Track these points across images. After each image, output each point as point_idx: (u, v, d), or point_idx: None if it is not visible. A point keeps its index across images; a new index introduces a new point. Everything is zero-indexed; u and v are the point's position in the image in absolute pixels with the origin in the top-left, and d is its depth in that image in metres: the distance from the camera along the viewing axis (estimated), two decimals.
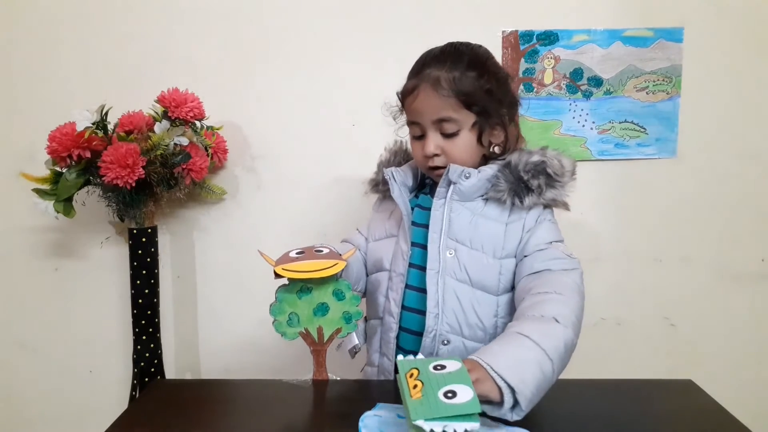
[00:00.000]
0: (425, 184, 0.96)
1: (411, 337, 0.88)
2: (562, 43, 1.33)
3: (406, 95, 0.87)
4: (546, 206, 0.86)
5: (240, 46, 1.35)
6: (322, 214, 1.38)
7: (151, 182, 1.20)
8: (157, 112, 1.25)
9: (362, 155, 1.14)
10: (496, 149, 0.88)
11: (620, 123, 1.36)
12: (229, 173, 1.40)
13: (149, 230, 1.27)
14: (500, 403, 0.63)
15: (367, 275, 0.98)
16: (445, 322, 0.85)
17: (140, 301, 1.26)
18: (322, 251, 0.83)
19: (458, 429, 0.59)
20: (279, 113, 1.37)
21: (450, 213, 0.85)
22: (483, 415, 0.65)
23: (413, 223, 0.90)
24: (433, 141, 0.84)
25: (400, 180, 0.91)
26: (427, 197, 0.91)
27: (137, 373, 1.27)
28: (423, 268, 0.86)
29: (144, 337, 1.27)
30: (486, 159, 0.89)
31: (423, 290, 0.86)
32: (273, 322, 0.81)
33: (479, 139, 0.85)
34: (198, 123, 1.28)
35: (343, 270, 0.81)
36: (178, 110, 1.23)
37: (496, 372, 0.64)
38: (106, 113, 1.20)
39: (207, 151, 1.26)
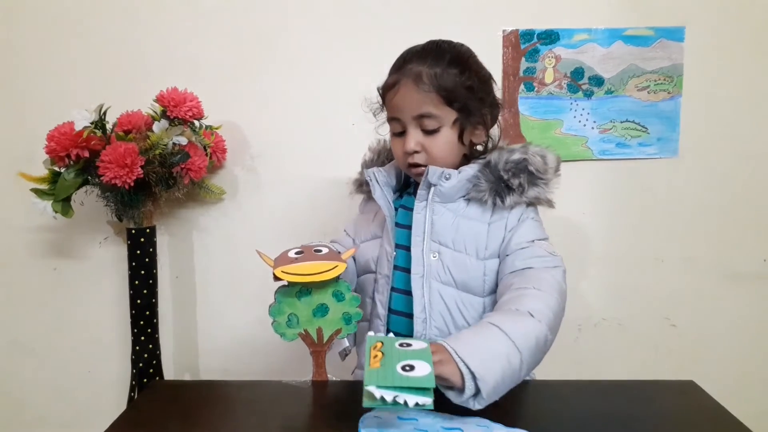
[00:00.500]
0: (410, 183, 0.94)
1: None
2: (563, 42, 1.33)
3: (386, 90, 0.86)
4: (529, 204, 0.85)
5: (240, 45, 1.35)
6: (321, 214, 1.38)
7: (150, 182, 1.20)
8: (155, 112, 1.25)
9: (362, 155, 1.13)
10: (478, 149, 0.88)
11: (621, 122, 1.35)
12: (228, 173, 1.39)
13: (148, 230, 1.26)
14: (462, 390, 0.63)
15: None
16: (434, 326, 0.84)
17: (139, 301, 1.25)
18: (321, 251, 0.83)
19: (409, 401, 0.59)
20: (279, 113, 1.37)
21: (432, 215, 0.85)
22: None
23: (397, 225, 0.89)
24: (414, 137, 0.83)
25: (383, 180, 0.90)
26: (411, 198, 0.89)
27: (136, 374, 1.27)
28: (408, 270, 0.86)
29: (142, 338, 1.27)
30: (467, 159, 0.88)
31: (409, 293, 0.85)
32: (272, 323, 0.81)
33: (460, 137, 0.84)
34: (197, 122, 1.28)
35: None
36: (177, 110, 1.22)
37: (459, 357, 0.64)
38: (105, 113, 1.20)
39: (206, 150, 1.25)
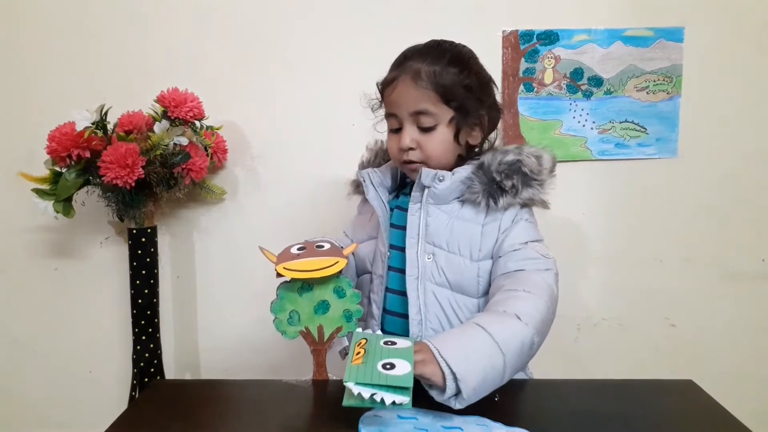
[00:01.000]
0: (406, 184, 0.94)
1: None
2: (563, 42, 1.33)
3: (385, 86, 0.87)
4: (523, 205, 0.85)
5: (240, 46, 1.35)
6: (321, 214, 1.38)
7: (151, 182, 1.20)
8: (156, 112, 1.25)
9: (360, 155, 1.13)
10: (475, 150, 0.87)
11: (620, 123, 1.35)
12: (228, 173, 1.40)
13: (149, 230, 1.27)
14: (444, 389, 0.64)
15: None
16: (430, 327, 0.84)
17: (140, 301, 1.26)
18: (323, 246, 0.83)
19: (386, 399, 0.60)
20: (279, 113, 1.37)
21: (427, 217, 0.85)
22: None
23: (393, 225, 0.90)
24: (410, 134, 0.83)
25: (377, 181, 0.90)
26: (407, 198, 0.89)
27: (137, 374, 1.27)
28: (403, 271, 0.86)
29: (143, 338, 1.27)
30: (463, 159, 0.88)
31: (403, 293, 0.85)
32: (273, 321, 0.81)
33: (456, 137, 0.84)
34: (198, 123, 1.28)
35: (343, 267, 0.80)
36: (178, 110, 1.23)
37: (442, 356, 0.64)
38: (106, 113, 1.20)
39: (207, 151, 1.26)
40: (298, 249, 0.82)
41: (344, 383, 0.60)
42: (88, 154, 1.18)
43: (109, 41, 1.36)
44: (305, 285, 0.81)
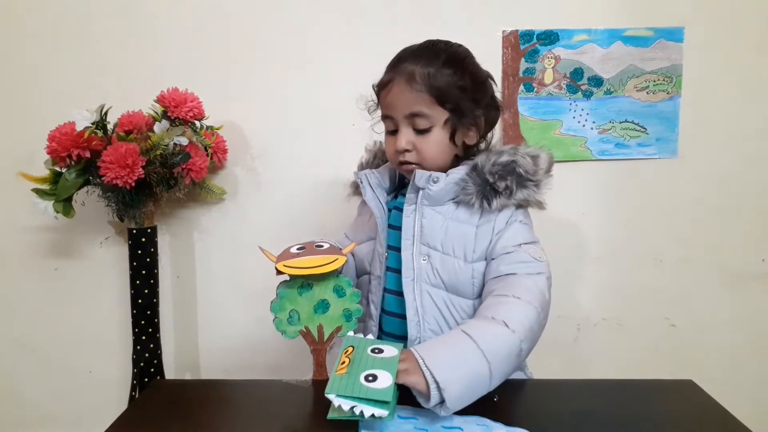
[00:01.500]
0: (405, 184, 0.94)
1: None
2: (563, 42, 1.33)
3: (380, 88, 0.87)
4: (518, 207, 0.85)
5: (240, 46, 1.35)
6: (322, 214, 1.38)
7: (151, 182, 1.20)
8: (156, 112, 1.25)
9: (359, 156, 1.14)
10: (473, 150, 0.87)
11: (620, 123, 1.35)
12: (228, 173, 1.40)
13: (149, 230, 1.27)
14: (429, 397, 0.65)
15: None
16: (428, 328, 0.84)
17: (140, 301, 1.25)
18: (322, 246, 0.83)
19: (366, 412, 0.61)
20: (279, 113, 1.37)
21: (421, 218, 0.85)
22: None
23: (391, 226, 0.90)
24: (405, 136, 0.84)
25: (375, 182, 0.90)
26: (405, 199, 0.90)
27: (137, 374, 1.27)
28: (400, 272, 0.86)
29: (143, 338, 1.27)
30: (459, 160, 0.88)
31: (401, 294, 0.85)
32: (273, 320, 0.81)
33: (452, 138, 0.84)
34: (198, 123, 1.28)
35: (343, 265, 0.81)
36: (178, 110, 1.23)
37: (426, 366, 0.65)
38: (106, 113, 1.20)
39: (207, 151, 1.26)
40: (298, 249, 0.82)
41: (325, 395, 0.61)
42: (88, 154, 1.18)
43: (110, 41, 1.36)
44: (305, 284, 0.81)
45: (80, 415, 1.47)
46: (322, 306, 0.81)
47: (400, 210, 0.88)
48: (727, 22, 1.33)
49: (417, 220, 0.85)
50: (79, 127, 1.15)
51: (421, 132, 0.83)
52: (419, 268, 0.84)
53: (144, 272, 1.25)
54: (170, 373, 1.41)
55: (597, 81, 1.34)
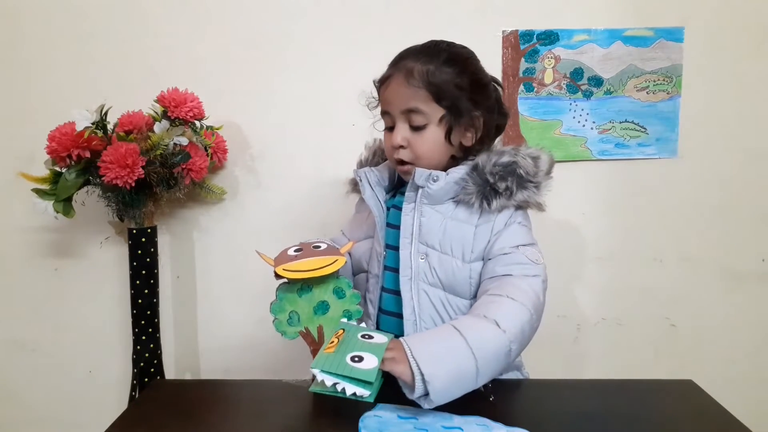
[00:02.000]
0: (404, 182, 0.93)
1: None
2: (563, 42, 1.33)
3: (380, 84, 0.87)
4: (518, 208, 0.85)
5: (241, 46, 1.35)
6: (322, 214, 1.38)
7: (151, 182, 1.20)
8: (156, 112, 1.25)
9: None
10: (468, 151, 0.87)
11: (620, 123, 1.35)
12: (228, 173, 1.40)
13: (149, 230, 1.27)
14: (414, 388, 0.65)
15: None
16: (424, 328, 0.84)
17: (140, 301, 1.26)
18: (320, 247, 0.83)
19: (348, 390, 0.63)
20: (279, 113, 1.37)
21: (421, 217, 0.84)
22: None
23: (389, 225, 0.89)
24: (401, 132, 0.83)
25: (374, 180, 0.90)
26: (404, 198, 0.89)
27: (137, 374, 1.27)
28: (398, 271, 0.86)
29: (143, 337, 1.27)
30: (456, 160, 0.88)
31: (399, 293, 0.85)
32: (273, 321, 0.81)
33: (447, 137, 0.84)
34: (198, 123, 1.28)
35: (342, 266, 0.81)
36: (178, 110, 1.23)
37: (413, 357, 0.65)
38: (106, 113, 1.20)
39: (207, 151, 1.26)
40: (295, 250, 0.82)
41: (310, 369, 0.62)
42: (88, 154, 1.18)
43: (110, 41, 1.36)
44: (305, 286, 0.81)
45: (80, 415, 1.47)
46: (322, 307, 0.81)
47: (399, 208, 0.88)
48: (727, 22, 1.33)
49: (416, 218, 0.84)
50: (79, 127, 1.15)
51: (416, 129, 0.83)
52: (417, 267, 0.84)
53: (144, 272, 1.25)
54: (170, 373, 1.41)
55: (597, 81, 1.34)
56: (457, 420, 0.69)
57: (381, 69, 0.89)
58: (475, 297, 0.84)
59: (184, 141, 1.20)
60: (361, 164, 0.98)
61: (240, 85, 1.36)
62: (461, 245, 0.83)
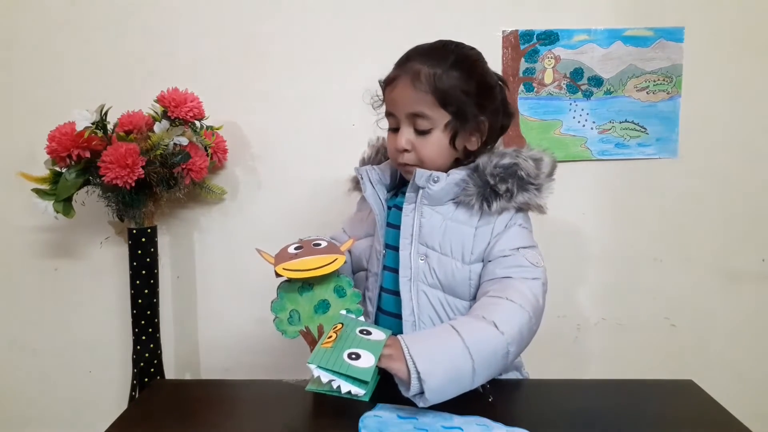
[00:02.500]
0: (406, 182, 0.92)
1: None
2: (563, 42, 1.33)
3: (386, 84, 0.86)
4: (519, 210, 0.84)
5: (240, 46, 1.35)
6: (322, 214, 1.38)
7: (151, 182, 1.20)
8: (156, 112, 1.25)
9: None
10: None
11: (620, 123, 1.36)
12: (229, 173, 1.40)
13: (149, 230, 1.27)
14: (410, 386, 0.65)
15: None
16: (423, 329, 0.84)
17: (140, 301, 1.26)
18: (320, 244, 0.83)
19: (343, 388, 0.63)
20: (279, 113, 1.37)
21: (421, 218, 0.84)
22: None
23: (390, 225, 0.89)
24: (405, 135, 0.83)
25: (376, 179, 0.89)
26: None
27: (137, 374, 1.27)
28: (397, 271, 0.85)
29: (143, 338, 1.27)
30: (459, 163, 0.87)
31: (398, 293, 0.85)
32: (273, 320, 0.81)
33: (452, 142, 0.83)
34: (198, 123, 1.28)
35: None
36: (178, 110, 1.23)
37: (410, 354, 0.65)
38: (106, 113, 1.20)
39: (207, 151, 1.26)
40: (296, 248, 0.82)
41: (307, 364, 0.62)
42: (88, 154, 1.18)
43: (110, 41, 1.36)
44: (305, 284, 0.81)
45: (80, 415, 1.47)
46: (323, 306, 0.81)
47: (400, 208, 0.88)
48: (727, 22, 1.33)
49: (416, 219, 0.84)
50: (79, 127, 1.15)
51: (421, 133, 0.82)
52: (417, 268, 0.84)
53: (144, 272, 1.25)
54: (170, 373, 1.41)
55: (597, 81, 1.34)
56: (457, 420, 0.69)
57: (381, 69, 0.88)
58: (474, 298, 0.83)
59: (184, 141, 1.20)
60: (364, 162, 0.97)
61: (240, 85, 1.36)
62: (461, 247, 0.83)
